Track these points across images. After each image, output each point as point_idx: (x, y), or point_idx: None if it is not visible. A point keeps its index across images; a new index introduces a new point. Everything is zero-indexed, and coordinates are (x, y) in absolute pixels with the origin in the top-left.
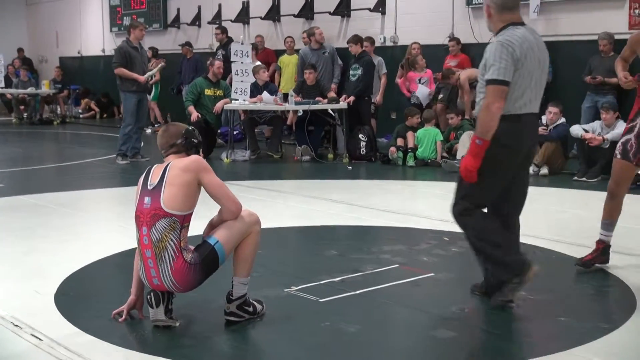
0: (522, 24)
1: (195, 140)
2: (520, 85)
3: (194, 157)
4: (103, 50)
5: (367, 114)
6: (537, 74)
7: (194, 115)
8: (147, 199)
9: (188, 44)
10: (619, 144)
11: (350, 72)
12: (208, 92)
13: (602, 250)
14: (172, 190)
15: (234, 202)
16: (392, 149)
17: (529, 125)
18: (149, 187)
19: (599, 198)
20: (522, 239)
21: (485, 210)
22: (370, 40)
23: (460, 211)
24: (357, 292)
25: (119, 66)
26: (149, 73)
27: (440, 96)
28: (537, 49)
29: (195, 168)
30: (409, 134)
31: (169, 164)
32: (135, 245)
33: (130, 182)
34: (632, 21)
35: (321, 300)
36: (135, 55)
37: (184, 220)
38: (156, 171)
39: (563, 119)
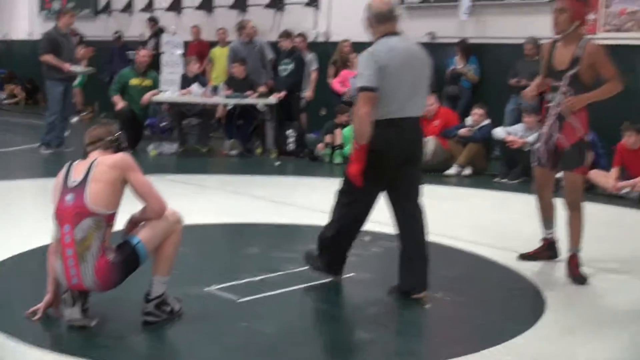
0: (396, 34)
1: (124, 145)
2: (389, 92)
3: (121, 154)
4: (30, 34)
5: (297, 110)
6: (409, 80)
7: (120, 105)
8: (69, 196)
9: (118, 32)
10: (533, 151)
11: (281, 67)
12: (134, 82)
13: (547, 246)
14: (97, 187)
15: (159, 202)
16: (320, 145)
17: (406, 129)
18: (71, 185)
19: (518, 200)
20: (441, 240)
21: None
22: (302, 35)
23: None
24: (277, 292)
25: (45, 53)
26: (79, 70)
27: None
28: (408, 56)
29: (122, 166)
30: (337, 131)
31: (94, 160)
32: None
33: (53, 173)
34: None
35: (240, 300)
36: (64, 42)
37: (109, 220)
38: (78, 168)
39: (488, 121)
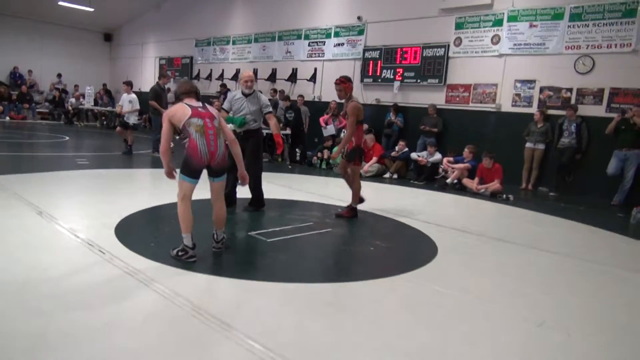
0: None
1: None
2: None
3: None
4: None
5: (301, 137)
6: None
7: None
8: (202, 109)
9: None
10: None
11: (287, 114)
12: None
13: (352, 209)
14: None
15: (230, 133)
16: (315, 158)
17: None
18: (200, 109)
19: (423, 192)
20: (379, 213)
21: None
22: (302, 96)
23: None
24: (290, 236)
25: (151, 99)
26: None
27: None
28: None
29: (216, 112)
30: (325, 151)
31: (203, 104)
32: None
33: (160, 166)
34: (447, 98)
35: (269, 240)
36: (162, 94)
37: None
38: (195, 107)
39: (407, 149)
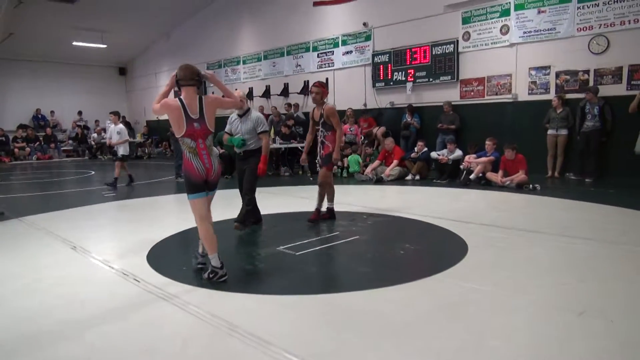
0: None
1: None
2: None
3: (212, 95)
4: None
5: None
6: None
7: (221, 149)
8: (196, 124)
9: None
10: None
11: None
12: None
13: (329, 212)
14: (210, 117)
15: (234, 95)
16: (335, 167)
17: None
18: (194, 117)
19: (446, 192)
20: (405, 215)
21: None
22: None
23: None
24: (317, 248)
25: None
26: None
27: (365, 140)
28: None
29: (215, 100)
30: (345, 159)
31: (200, 99)
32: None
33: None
34: (461, 94)
35: (297, 253)
36: None
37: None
38: (191, 106)
39: (426, 149)
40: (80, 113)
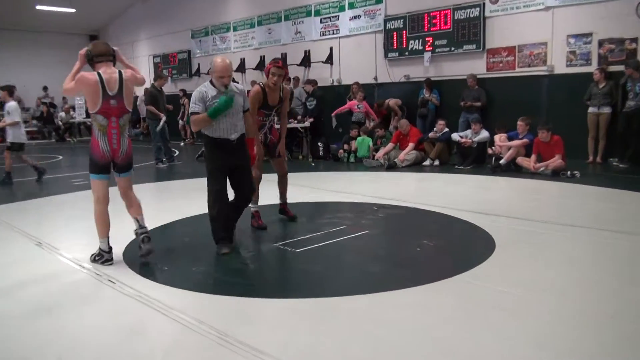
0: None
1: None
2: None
3: (130, 71)
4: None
5: (322, 129)
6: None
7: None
8: (112, 101)
9: None
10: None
11: (307, 103)
12: None
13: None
14: (128, 95)
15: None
16: (340, 151)
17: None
18: (112, 94)
19: (470, 179)
20: (422, 207)
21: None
22: (314, 81)
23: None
24: (319, 244)
25: (148, 104)
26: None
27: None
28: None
29: (132, 76)
30: (352, 142)
31: (120, 74)
32: None
33: (172, 177)
34: (488, 65)
35: (297, 250)
36: (158, 95)
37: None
38: (110, 82)
39: (447, 129)
40: (45, 89)
